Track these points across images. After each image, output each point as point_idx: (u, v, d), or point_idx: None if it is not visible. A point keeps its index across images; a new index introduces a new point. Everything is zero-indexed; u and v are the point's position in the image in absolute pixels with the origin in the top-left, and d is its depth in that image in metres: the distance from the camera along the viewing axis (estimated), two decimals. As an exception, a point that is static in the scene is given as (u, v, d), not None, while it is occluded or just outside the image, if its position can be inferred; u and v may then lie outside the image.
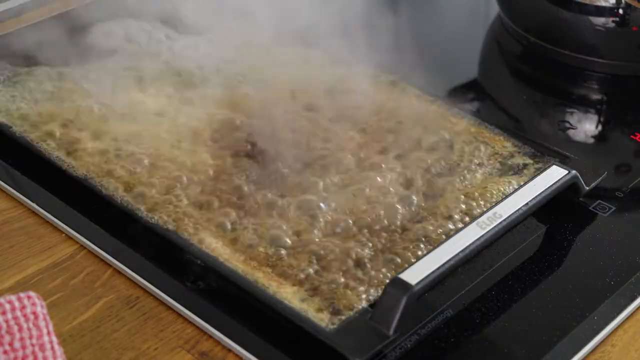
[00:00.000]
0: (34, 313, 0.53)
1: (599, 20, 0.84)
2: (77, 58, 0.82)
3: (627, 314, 0.61)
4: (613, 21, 0.83)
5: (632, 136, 0.78)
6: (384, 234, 0.64)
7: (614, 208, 0.69)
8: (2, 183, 0.71)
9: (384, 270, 0.61)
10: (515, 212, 0.61)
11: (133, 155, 0.71)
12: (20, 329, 0.52)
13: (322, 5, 0.81)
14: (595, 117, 0.84)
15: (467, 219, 0.66)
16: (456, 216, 0.66)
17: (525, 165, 0.71)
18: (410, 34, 0.89)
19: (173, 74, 0.81)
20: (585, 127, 0.82)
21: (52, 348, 0.53)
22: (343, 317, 0.57)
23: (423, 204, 0.67)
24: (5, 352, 0.52)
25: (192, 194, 0.68)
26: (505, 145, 0.73)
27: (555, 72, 0.87)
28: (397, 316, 0.55)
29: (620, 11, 0.83)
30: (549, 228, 0.67)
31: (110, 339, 0.59)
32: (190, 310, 0.60)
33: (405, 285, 0.55)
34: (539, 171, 0.66)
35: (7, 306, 0.52)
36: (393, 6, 0.92)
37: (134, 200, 0.67)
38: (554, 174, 0.65)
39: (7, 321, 0.52)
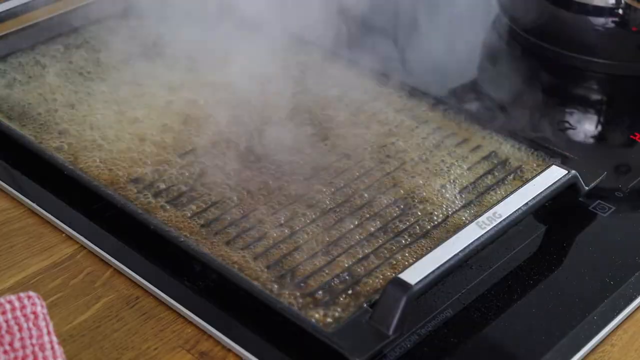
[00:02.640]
0: (34, 313, 0.53)
1: (599, 20, 0.84)
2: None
3: (627, 313, 0.61)
4: (613, 21, 0.83)
5: (632, 136, 0.78)
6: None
7: (613, 208, 0.69)
8: (2, 183, 0.71)
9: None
10: (515, 212, 0.61)
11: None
12: (20, 329, 0.52)
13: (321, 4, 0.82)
14: (595, 117, 0.84)
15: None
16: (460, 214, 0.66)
17: (525, 166, 0.71)
18: (409, 34, 0.89)
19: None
20: (585, 127, 0.82)
21: (52, 348, 0.53)
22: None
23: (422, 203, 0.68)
24: (5, 352, 0.52)
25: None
26: (505, 145, 0.73)
27: (555, 72, 0.87)
28: (397, 316, 0.55)
29: (620, 11, 0.83)
30: (549, 228, 0.67)
31: (110, 339, 0.59)
32: (190, 310, 0.60)
33: (405, 285, 0.55)
34: (538, 171, 0.66)
35: (7, 306, 0.52)
36: (392, 6, 0.93)
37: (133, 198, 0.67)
38: (554, 174, 0.65)
39: (7, 321, 0.52)
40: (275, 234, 0.65)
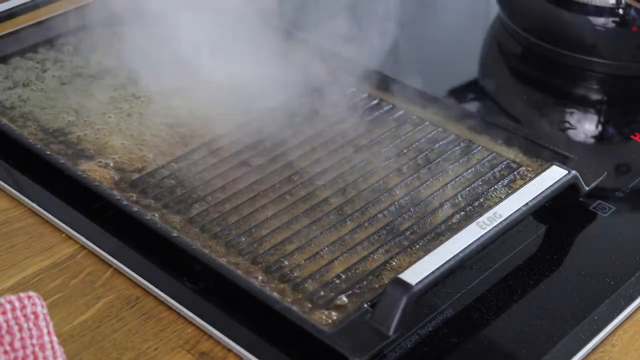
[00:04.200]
0: (34, 313, 0.53)
1: (599, 20, 0.84)
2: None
3: (627, 314, 0.61)
4: (613, 21, 0.83)
5: (632, 136, 0.78)
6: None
7: (614, 208, 0.69)
8: (2, 183, 0.71)
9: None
10: (515, 212, 0.61)
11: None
12: (20, 329, 0.52)
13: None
14: (595, 117, 0.84)
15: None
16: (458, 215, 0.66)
17: (525, 166, 0.71)
18: (409, 34, 0.89)
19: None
20: (585, 127, 0.82)
21: (53, 348, 0.53)
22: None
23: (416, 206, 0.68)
24: (5, 352, 0.52)
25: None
26: (505, 145, 0.73)
27: (555, 72, 0.87)
28: (397, 316, 0.55)
29: (620, 11, 0.83)
30: (549, 228, 0.67)
31: (110, 339, 0.59)
32: (190, 310, 0.60)
33: (405, 285, 0.55)
34: (539, 171, 0.66)
35: (8, 306, 0.52)
36: (392, 6, 0.93)
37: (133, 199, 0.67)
38: (554, 174, 0.65)
39: (7, 321, 0.52)
40: (275, 235, 0.65)
